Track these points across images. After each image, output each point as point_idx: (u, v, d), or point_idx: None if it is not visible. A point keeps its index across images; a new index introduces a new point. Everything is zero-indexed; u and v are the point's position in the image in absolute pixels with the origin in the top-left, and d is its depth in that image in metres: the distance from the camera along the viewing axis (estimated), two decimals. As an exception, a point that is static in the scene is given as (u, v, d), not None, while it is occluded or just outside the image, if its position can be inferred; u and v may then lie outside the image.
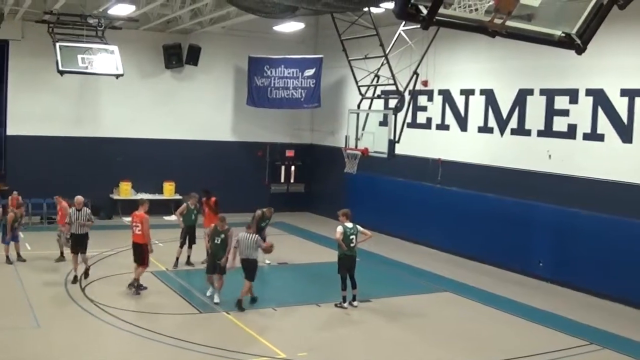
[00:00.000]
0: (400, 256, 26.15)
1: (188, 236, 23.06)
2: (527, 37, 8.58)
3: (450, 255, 26.32)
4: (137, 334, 16.17)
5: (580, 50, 8.49)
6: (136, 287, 19.79)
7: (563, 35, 8.48)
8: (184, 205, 23.33)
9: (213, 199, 23.68)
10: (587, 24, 8.41)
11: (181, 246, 23.05)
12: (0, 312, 17.72)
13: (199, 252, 22.68)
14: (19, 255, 22.95)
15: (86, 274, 20.73)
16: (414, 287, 22.33)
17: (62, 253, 23.02)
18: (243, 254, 18.62)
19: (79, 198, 20.73)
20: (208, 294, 19.36)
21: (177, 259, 23.00)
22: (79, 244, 20.46)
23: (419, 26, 7.81)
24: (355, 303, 19.39)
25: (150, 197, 31.25)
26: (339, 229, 19.20)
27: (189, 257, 23.26)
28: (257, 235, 19.22)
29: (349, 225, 19.33)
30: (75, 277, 20.32)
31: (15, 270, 21.80)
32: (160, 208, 31.57)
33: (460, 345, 16.82)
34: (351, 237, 19.15)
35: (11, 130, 30.43)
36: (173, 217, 25.78)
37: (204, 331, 16.90)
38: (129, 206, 30.99)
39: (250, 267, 18.68)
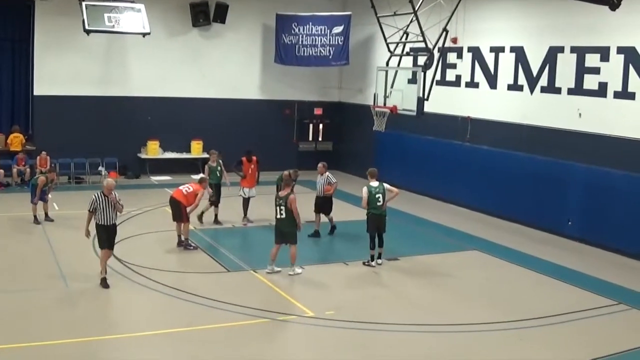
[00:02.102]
0: (428, 214, 26.09)
1: (215, 194, 23.11)
2: (560, -8, 8.41)
3: (479, 214, 26.22)
4: (165, 293, 16.23)
5: (614, 6, 8.35)
6: (185, 245, 20.27)
7: (597, -10, 8.31)
8: (206, 167, 23.32)
9: (254, 158, 23.72)
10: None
11: (212, 204, 23.07)
12: (29, 272, 17.88)
13: (226, 211, 22.80)
14: (47, 215, 23.05)
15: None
16: (442, 245, 22.27)
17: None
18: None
19: (110, 182, 17.01)
20: (268, 269, 18.41)
21: (202, 213, 23.00)
22: (107, 237, 16.86)
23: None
24: (380, 261, 19.43)
25: (178, 155, 31.41)
26: (364, 189, 19.33)
27: (216, 215, 23.29)
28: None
29: (375, 184, 19.32)
30: (104, 279, 16.84)
31: (43, 230, 21.91)
32: (188, 167, 31.64)
33: (487, 303, 16.79)
34: (377, 195, 19.16)
35: (38, 90, 30.41)
36: (200, 175, 25.78)
37: (231, 290, 16.93)
38: (157, 165, 31.31)
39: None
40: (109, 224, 16.68)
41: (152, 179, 31.19)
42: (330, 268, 19.14)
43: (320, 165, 23.21)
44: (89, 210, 16.68)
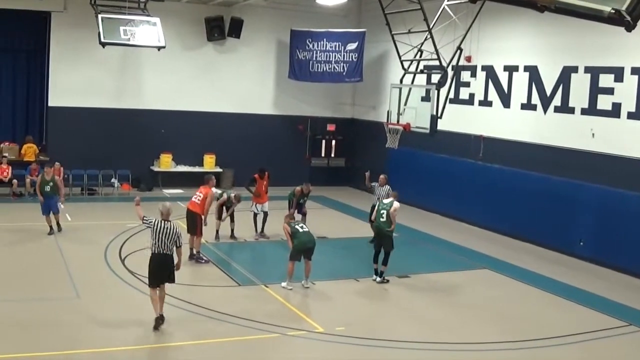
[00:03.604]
0: (439, 232, 26.04)
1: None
2: (576, 13, 8.44)
3: (490, 233, 26.18)
4: (175, 306, 16.22)
5: (630, 27, 8.34)
6: (196, 259, 20.36)
7: (613, 11, 8.32)
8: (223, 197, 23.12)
9: (267, 173, 23.80)
10: (638, 0, 8.25)
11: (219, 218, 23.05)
12: (41, 282, 17.91)
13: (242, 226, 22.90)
14: (58, 225, 23.11)
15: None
16: (452, 263, 22.23)
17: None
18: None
19: (167, 206, 15.47)
20: (283, 284, 18.37)
21: (217, 230, 23.05)
22: (163, 269, 14.91)
23: (464, 0, 7.69)
24: (378, 279, 19.38)
25: (191, 169, 31.46)
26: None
27: (232, 230, 23.28)
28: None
29: (386, 201, 19.65)
30: (160, 317, 15.03)
31: (55, 241, 21.97)
32: (201, 180, 31.65)
33: (497, 323, 16.75)
34: (382, 211, 19.39)
35: (53, 101, 30.57)
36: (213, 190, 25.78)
37: (242, 304, 16.93)
38: (170, 178, 31.40)
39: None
40: (165, 252, 14.79)
41: (164, 192, 31.27)
42: (341, 284, 19.11)
43: (382, 177, 23.45)
44: (144, 217, 15.28)
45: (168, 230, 14.73)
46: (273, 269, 19.60)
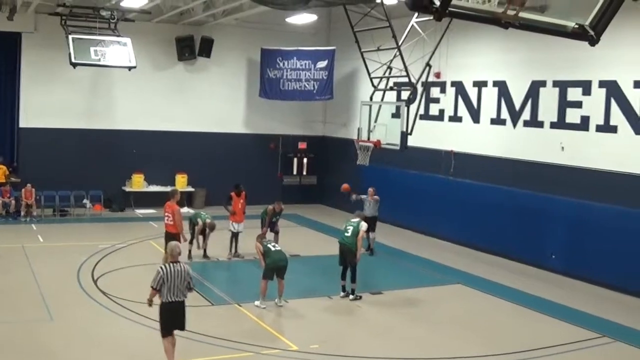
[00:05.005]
0: (412, 248, 26.11)
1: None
2: (540, 29, 8.56)
3: (463, 248, 26.27)
4: (149, 326, 16.13)
5: (593, 41, 8.46)
6: None
7: (576, 26, 8.45)
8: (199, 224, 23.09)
9: (243, 192, 23.70)
10: (601, 15, 8.38)
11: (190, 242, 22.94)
12: (14, 305, 17.79)
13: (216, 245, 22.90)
14: None
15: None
16: (426, 279, 22.29)
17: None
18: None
19: (172, 246, 13.87)
20: (256, 303, 18.30)
21: (190, 251, 22.97)
22: (177, 317, 13.66)
23: (432, 18, 7.78)
24: (350, 297, 19.34)
25: (163, 189, 31.29)
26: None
27: (205, 250, 23.22)
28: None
29: (354, 219, 19.59)
30: None
31: (27, 262, 21.82)
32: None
33: (471, 337, 16.79)
34: (347, 227, 19.39)
35: (24, 122, 30.51)
36: (185, 209, 25.79)
37: (215, 323, 16.90)
38: (142, 198, 31.29)
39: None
40: (178, 299, 13.41)
41: (136, 212, 31.19)
42: (314, 302, 19.08)
43: (371, 189, 24.63)
44: (153, 287, 13.28)
45: (179, 274, 13.26)
46: (246, 288, 19.56)
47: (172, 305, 13.29)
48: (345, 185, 24.16)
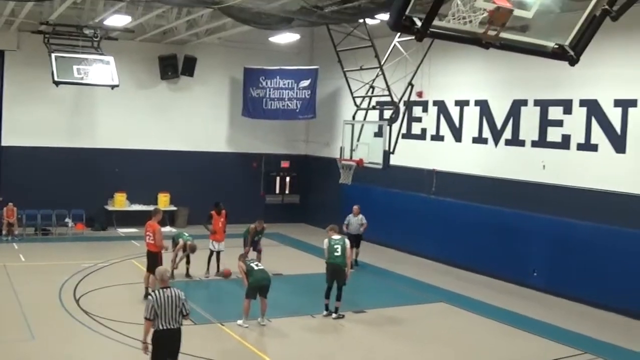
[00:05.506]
0: (394, 267, 26.13)
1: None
2: (521, 49, 8.62)
3: (445, 266, 26.32)
4: (131, 345, 16.10)
5: (573, 61, 8.53)
6: None
7: (556, 46, 8.52)
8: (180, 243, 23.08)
9: (224, 211, 23.67)
10: (580, 35, 8.46)
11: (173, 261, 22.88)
12: (-5, 323, 17.73)
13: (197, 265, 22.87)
14: None
15: None
16: (408, 297, 22.31)
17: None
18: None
19: (161, 271, 13.29)
20: (239, 322, 18.19)
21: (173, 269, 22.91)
22: (171, 346, 12.62)
23: (413, 38, 7.85)
24: (334, 315, 19.28)
25: (145, 208, 31.18)
26: (325, 241, 19.49)
27: (187, 269, 23.17)
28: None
29: (336, 237, 19.44)
30: None
31: (9, 281, 21.73)
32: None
33: (454, 356, 16.85)
34: (335, 246, 19.19)
35: (6, 141, 30.42)
36: (168, 229, 25.70)
37: (198, 343, 16.84)
38: (124, 217, 31.20)
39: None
40: (172, 327, 12.41)
41: (119, 231, 31.13)
42: (297, 321, 19.07)
43: (355, 207, 25.87)
44: (147, 318, 12.31)
45: (171, 299, 12.31)
46: (229, 307, 19.56)
47: (166, 333, 12.28)
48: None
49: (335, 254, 19.15)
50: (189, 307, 12.69)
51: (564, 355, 16.90)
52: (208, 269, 23.46)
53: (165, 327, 12.22)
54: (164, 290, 12.37)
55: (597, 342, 17.98)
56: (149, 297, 12.45)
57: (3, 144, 30.48)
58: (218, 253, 23.40)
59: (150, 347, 12.45)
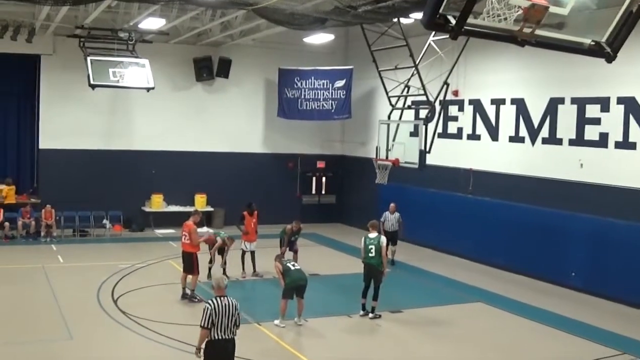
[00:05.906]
0: (432, 266, 26.04)
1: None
2: (557, 46, 8.55)
3: (482, 266, 26.17)
4: (169, 345, 16.20)
5: (610, 58, 8.45)
6: (190, 298, 20.21)
7: (593, 43, 8.45)
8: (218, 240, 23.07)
9: (256, 212, 23.71)
10: (617, 32, 8.38)
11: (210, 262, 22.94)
12: (34, 324, 17.86)
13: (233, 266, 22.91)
14: None
15: None
16: (445, 297, 22.21)
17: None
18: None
19: (218, 279, 12.98)
20: (276, 322, 18.24)
21: (210, 269, 22.96)
22: (225, 356, 12.38)
23: (448, 36, 7.81)
24: (370, 315, 19.24)
25: (182, 209, 31.31)
26: (362, 239, 19.41)
27: (224, 269, 23.19)
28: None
29: (372, 235, 19.30)
30: None
31: (48, 282, 21.90)
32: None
33: (493, 356, 16.75)
34: (370, 247, 19.09)
35: (43, 144, 30.72)
36: (205, 229, 25.76)
37: (236, 343, 16.88)
38: (161, 218, 31.34)
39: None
40: (227, 338, 12.16)
41: (156, 232, 31.28)
42: (334, 321, 19.07)
43: (392, 205, 25.74)
44: (203, 327, 12.04)
45: (228, 309, 12.08)
46: (266, 307, 19.56)
47: (220, 343, 12.03)
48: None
49: (370, 254, 19.09)
50: (240, 319, 12.47)
51: (604, 355, 16.73)
52: (243, 269, 23.49)
53: (220, 337, 12.01)
54: (221, 298, 12.14)
55: (636, 343, 17.79)
56: (206, 305, 12.10)
57: (41, 146, 30.78)
58: (252, 253, 23.43)
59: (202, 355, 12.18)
